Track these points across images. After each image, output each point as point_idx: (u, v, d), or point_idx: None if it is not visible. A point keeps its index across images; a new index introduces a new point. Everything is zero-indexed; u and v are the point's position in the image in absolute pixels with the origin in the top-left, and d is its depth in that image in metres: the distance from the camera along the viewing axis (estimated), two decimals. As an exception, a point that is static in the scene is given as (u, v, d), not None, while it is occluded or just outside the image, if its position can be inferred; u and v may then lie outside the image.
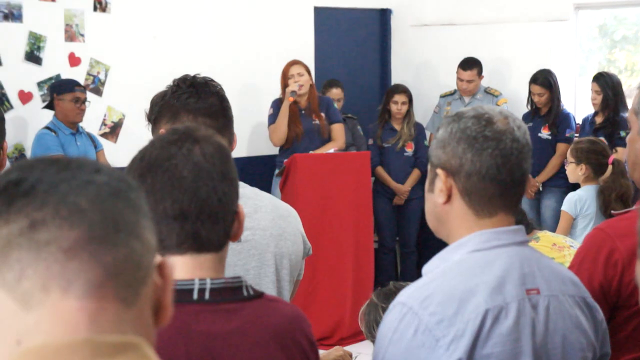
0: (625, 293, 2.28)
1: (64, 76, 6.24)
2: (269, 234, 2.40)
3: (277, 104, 6.76)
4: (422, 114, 7.72)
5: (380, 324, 1.83)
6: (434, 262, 1.86)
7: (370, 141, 7.43)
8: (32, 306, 0.90)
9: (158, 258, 1.00)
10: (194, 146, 1.65)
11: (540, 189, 7.02)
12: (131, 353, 0.91)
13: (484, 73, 7.46)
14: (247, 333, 1.63)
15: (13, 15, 6.08)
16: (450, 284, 1.76)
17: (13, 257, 0.90)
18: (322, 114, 6.82)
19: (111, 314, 0.92)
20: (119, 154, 6.26)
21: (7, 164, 2.50)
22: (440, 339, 1.71)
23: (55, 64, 6.28)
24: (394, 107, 7.34)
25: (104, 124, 6.58)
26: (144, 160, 1.65)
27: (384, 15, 8.37)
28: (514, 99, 7.46)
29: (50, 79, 6.23)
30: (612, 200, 5.07)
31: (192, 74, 2.46)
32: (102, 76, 6.54)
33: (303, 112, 6.77)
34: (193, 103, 2.36)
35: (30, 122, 6.12)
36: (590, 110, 6.97)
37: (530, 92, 7.12)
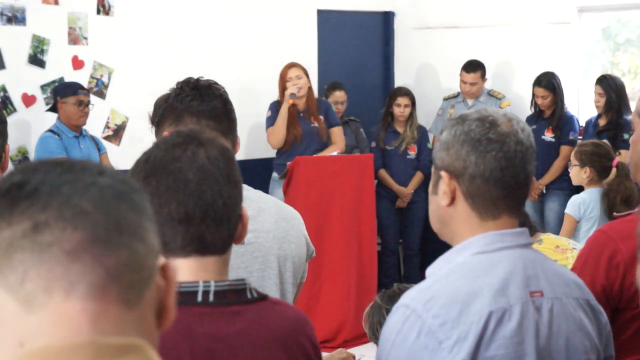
0: (627, 295, 2.28)
1: (67, 79, 6.24)
2: (273, 236, 2.40)
3: (275, 107, 6.74)
4: (425, 116, 7.72)
5: (383, 326, 1.83)
6: (438, 264, 1.86)
7: (373, 144, 7.43)
8: (35, 308, 0.90)
9: (161, 260, 1.00)
10: (199, 149, 1.65)
11: (544, 191, 7.01)
12: (134, 355, 0.91)
13: (487, 76, 7.46)
14: (250, 335, 1.63)
15: (16, 18, 6.09)
16: (454, 286, 1.76)
17: (16, 259, 0.90)
18: (321, 117, 6.81)
19: (114, 316, 0.92)
20: (123, 156, 6.26)
21: (11, 167, 2.51)
22: (444, 341, 1.70)
23: (58, 67, 6.28)
24: (396, 110, 7.34)
25: (107, 126, 6.59)
26: (149, 163, 1.65)
27: (387, 18, 8.37)
28: (518, 101, 7.46)
29: (54, 82, 6.23)
30: (617, 203, 5.06)
31: (195, 76, 2.46)
32: (105, 79, 6.55)
33: (301, 114, 6.75)
34: (196, 106, 2.36)
35: (33, 125, 6.13)
36: (594, 113, 6.97)
37: (533, 95, 7.11)
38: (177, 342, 1.55)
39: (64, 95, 5.90)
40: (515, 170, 1.82)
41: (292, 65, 6.71)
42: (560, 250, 4.24)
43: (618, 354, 2.08)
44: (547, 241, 4.35)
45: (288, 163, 6.49)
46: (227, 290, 1.64)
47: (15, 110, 6.10)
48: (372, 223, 6.72)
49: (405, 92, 7.38)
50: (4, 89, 6.05)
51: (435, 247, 2.28)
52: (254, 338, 1.63)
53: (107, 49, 6.53)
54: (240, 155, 6.78)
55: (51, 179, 0.94)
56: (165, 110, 2.40)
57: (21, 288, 0.90)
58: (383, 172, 7.37)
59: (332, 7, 7.90)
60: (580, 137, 6.92)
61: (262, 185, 6.31)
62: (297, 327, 1.71)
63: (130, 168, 1.68)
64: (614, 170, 5.19)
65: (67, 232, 0.91)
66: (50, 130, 5.89)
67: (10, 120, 5.99)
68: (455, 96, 7.59)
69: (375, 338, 2.76)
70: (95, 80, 6.50)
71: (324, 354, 2.12)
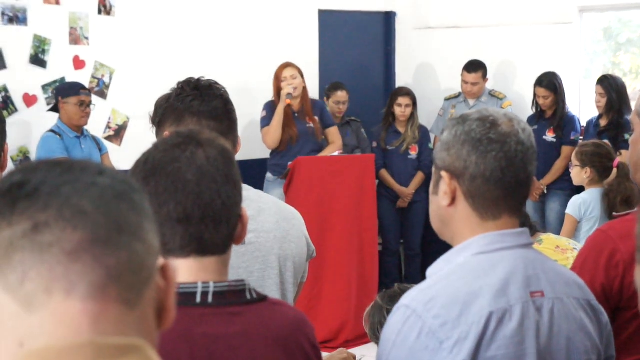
0: (627, 294, 2.28)
1: (68, 79, 6.25)
2: (273, 236, 2.40)
3: (269, 107, 6.71)
4: (427, 116, 7.71)
5: (384, 327, 1.83)
6: (438, 264, 1.86)
7: (374, 144, 7.43)
8: (35, 308, 0.90)
9: (161, 260, 1.00)
10: (198, 149, 1.65)
11: (545, 191, 7.01)
12: (134, 355, 0.91)
13: (488, 76, 7.46)
14: (250, 336, 1.63)
15: (18, 18, 6.09)
16: (454, 287, 1.76)
17: (16, 259, 0.90)
18: (316, 118, 6.80)
19: (114, 316, 0.92)
20: (124, 156, 6.26)
21: (12, 166, 2.51)
22: (444, 342, 1.70)
23: (60, 67, 6.29)
24: (398, 110, 7.34)
25: (108, 127, 6.59)
26: (148, 164, 1.65)
27: (388, 18, 8.37)
28: (519, 101, 7.45)
29: (55, 82, 6.24)
30: (617, 203, 5.06)
31: (196, 76, 2.46)
32: (106, 79, 6.55)
33: (296, 115, 6.73)
34: (197, 106, 2.36)
35: (34, 125, 6.13)
36: (595, 113, 6.97)
37: (535, 95, 7.11)
38: (176, 343, 1.55)
39: (66, 95, 5.90)
40: (516, 171, 1.82)
41: (287, 65, 6.69)
42: (561, 251, 4.25)
43: (618, 353, 2.07)
44: (548, 241, 4.35)
45: (288, 163, 6.49)
46: (226, 291, 1.64)
47: (16, 110, 6.11)
48: (373, 223, 6.71)
49: (406, 92, 7.38)
50: (5, 89, 6.06)
51: (436, 247, 2.29)
52: (253, 339, 1.63)
53: (108, 49, 6.53)
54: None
55: (51, 179, 0.94)
56: (166, 111, 2.40)
57: (21, 288, 0.90)
58: (384, 172, 7.37)
59: (333, 7, 7.90)
60: (582, 138, 6.92)
61: (256, 186, 6.27)
62: (297, 328, 1.71)
63: (130, 168, 1.69)
64: (614, 170, 5.19)
65: (67, 232, 0.91)
66: (52, 131, 5.89)
67: (12, 120, 6.00)
68: (457, 96, 7.59)
69: (376, 338, 2.76)
70: (96, 81, 6.50)
71: (325, 354, 2.12)
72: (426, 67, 8.26)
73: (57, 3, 6.25)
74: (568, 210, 5.42)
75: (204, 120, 2.35)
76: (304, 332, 1.72)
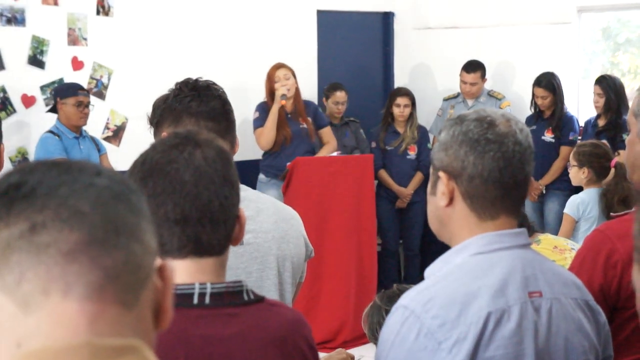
0: (625, 294, 2.28)
1: (67, 80, 6.24)
2: (271, 236, 2.40)
3: (262, 108, 6.68)
4: (426, 117, 7.72)
5: (382, 327, 1.83)
6: (436, 265, 1.86)
7: (373, 144, 7.42)
8: (32, 309, 0.90)
9: (158, 261, 1.00)
10: (195, 150, 1.65)
11: (544, 192, 7.01)
12: (131, 356, 0.91)
13: (487, 76, 7.46)
14: (247, 338, 1.63)
15: (16, 19, 6.09)
16: (453, 287, 1.76)
17: (13, 260, 0.90)
18: (309, 119, 6.78)
19: (111, 317, 0.92)
20: (122, 157, 6.25)
21: (10, 167, 2.51)
22: (443, 342, 1.70)
23: (58, 68, 6.29)
24: (396, 110, 7.33)
25: (107, 127, 6.59)
26: (145, 164, 1.65)
27: (386, 18, 8.37)
28: (518, 101, 7.46)
29: (54, 82, 6.23)
30: (614, 203, 5.07)
31: (194, 77, 2.46)
32: (105, 80, 6.55)
33: (289, 116, 6.71)
34: (195, 106, 2.36)
35: (33, 126, 6.13)
36: (593, 113, 6.97)
37: (533, 95, 7.11)
38: (173, 344, 1.55)
39: (64, 96, 5.90)
40: (513, 171, 1.82)
41: (279, 65, 6.66)
42: (559, 251, 4.25)
43: (616, 353, 2.08)
44: (546, 241, 4.35)
45: (281, 164, 6.49)
46: (223, 292, 1.64)
47: (14, 111, 6.10)
48: (372, 224, 6.71)
49: (405, 92, 7.38)
50: (3, 90, 6.05)
51: (435, 247, 2.28)
52: (251, 340, 1.63)
53: (106, 50, 6.53)
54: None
55: (49, 180, 0.94)
56: (164, 111, 2.40)
57: (18, 289, 0.90)
58: (383, 173, 7.37)
59: (331, 8, 7.90)
60: (580, 138, 6.92)
61: (249, 187, 6.24)
62: (294, 329, 1.71)
63: (127, 169, 1.69)
64: (612, 170, 5.19)
65: (64, 233, 0.91)
66: (50, 131, 5.89)
67: (10, 121, 6.00)
68: (455, 96, 7.60)
69: (374, 339, 2.76)
70: (94, 81, 6.50)
71: (324, 355, 2.13)
72: (425, 67, 8.27)
73: (56, 4, 6.25)
74: (566, 210, 5.42)
75: (202, 120, 2.35)
76: (301, 333, 1.72)
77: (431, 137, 7.47)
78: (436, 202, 1.88)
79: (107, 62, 6.54)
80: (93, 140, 6.15)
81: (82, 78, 6.35)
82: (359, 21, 8.18)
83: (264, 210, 2.41)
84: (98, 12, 6.48)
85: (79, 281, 0.91)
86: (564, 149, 6.95)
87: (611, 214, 2.65)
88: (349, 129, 7.35)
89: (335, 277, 6.39)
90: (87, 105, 5.93)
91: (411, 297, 1.78)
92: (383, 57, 8.42)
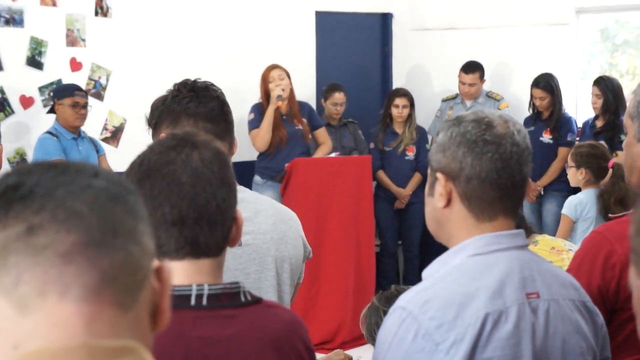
0: (624, 296, 2.27)
1: (65, 81, 6.24)
2: (270, 237, 2.40)
3: (257, 109, 6.65)
4: (424, 118, 7.71)
5: (380, 328, 1.83)
6: (434, 266, 1.86)
7: (372, 145, 7.42)
8: (29, 311, 0.90)
9: (156, 262, 1.00)
10: (193, 152, 1.65)
11: (542, 193, 7.01)
12: (128, 357, 0.91)
13: (485, 77, 7.46)
14: (244, 339, 1.63)
15: (14, 20, 6.09)
16: (450, 288, 1.76)
17: (10, 261, 0.90)
18: (304, 120, 6.78)
19: (108, 319, 0.92)
20: (121, 158, 6.25)
21: (8, 168, 2.51)
22: (440, 344, 1.71)
23: (56, 69, 6.29)
24: (395, 111, 7.33)
25: (105, 128, 6.59)
26: (143, 166, 1.65)
27: (385, 19, 8.37)
28: (516, 103, 7.46)
29: (52, 83, 6.23)
30: (611, 204, 5.07)
31: (193, 78, 2.46)
32: (103, 81, 6.55)
33: (284, 117, 6.70)
34: (193, 107, 2.36)
35: (31, 127, 6.13)
36: (591, 114, 6.97)
37: (531, 96, 7.12)
38: (170, 346, 1.55)
39: (61, 97, 5.90)
40: (511, 172, 1.82)
41: (274, 66, 6.64)
42: (556, 252, 4.25)
43: (615, 354, 2.08)
44: (543, 242, 4.36)
45: (277, 166, 6.49)
46: (220, 293, 1.64)
47: (13, 112, 6.10)
48: (371, 225, 6.72)
49: (404, 93, 7.38)
50: (2, 91, 6.05)
51: (434, 249, 2.28)
52: (248, 341, 1.63)
53: (105, 51, 6.53)
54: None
55: (46, 181, 0.94)
56: (162, 112, 2.40)
57: (15, 290, 0.90)
58: (381, 174, 7.37)
59: (330, 9, 7.90)
60: (578, 139, 6.92)
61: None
62: (291, 330, 1.71)
63: (124, 171, 1.69)
64: (610, 171, 5.20)
65: (61, 234, 0.91)
66: (49, 132, 5.88)
67: (8, 122, 6.00)
68: (454, 97, 7.60)
69: (372, 339, 2.76)
70: (93, 82, 6.50)
71: (322, 356, 2.13)
72: (423, 68, 8.27)
73: (54, 5, 6.25)
74: (564, 211, 5.43)
75: (200, 122, 2.35)
76: (298, 334, 1.72)
77: (430, 138, 7.46)
78: (434, 203, 1.88)
79: (106, 63, 6.54)
80: (92, 141, 6.14)
81: (80, 79, 6.35)
82: (357, 22, 8.18)
83: (262, 212, 2.41)
84: (96, 13, 6.48)
85: (76, 283, 0.91)
86: (562, 150, 6.95)
87: (609, 215, 2.64)
88: (347, 130, 7.34)
89: (333, 278, 6.39)
90: (84, 106, 5.93)
91: (409, 298, 1.78)
92: (381, 58, 8.42)
